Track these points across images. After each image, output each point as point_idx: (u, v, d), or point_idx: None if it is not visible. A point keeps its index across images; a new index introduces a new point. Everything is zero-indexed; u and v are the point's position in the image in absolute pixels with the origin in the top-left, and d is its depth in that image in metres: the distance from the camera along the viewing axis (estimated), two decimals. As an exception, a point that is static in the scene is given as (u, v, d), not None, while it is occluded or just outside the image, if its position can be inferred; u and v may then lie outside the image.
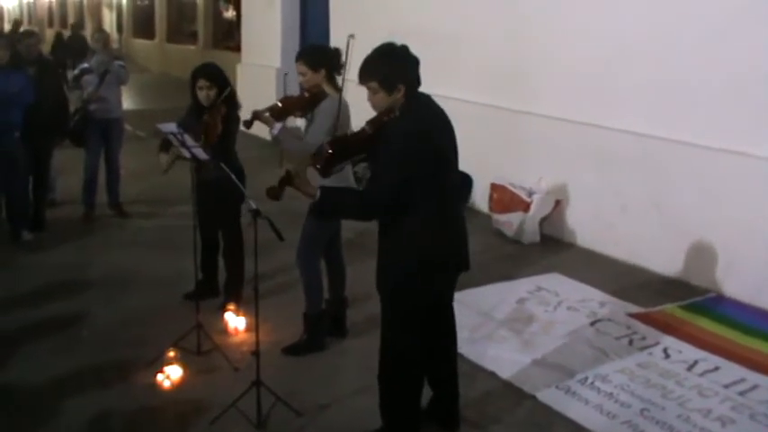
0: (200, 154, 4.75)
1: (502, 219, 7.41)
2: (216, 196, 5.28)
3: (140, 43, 27.56)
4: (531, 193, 7.25)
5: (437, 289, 3.74)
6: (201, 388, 4.44)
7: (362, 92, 3.62)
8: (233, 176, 4.27)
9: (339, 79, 4.80)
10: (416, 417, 3.78)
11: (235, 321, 5.21)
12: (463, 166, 3.90)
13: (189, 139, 4.68)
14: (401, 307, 3.62)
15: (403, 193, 3.42)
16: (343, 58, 4.23)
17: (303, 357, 4.83)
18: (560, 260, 6.78)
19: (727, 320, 5.52)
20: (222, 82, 5.31)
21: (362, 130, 3.59)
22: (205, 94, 5.25)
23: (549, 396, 4.40)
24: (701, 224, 6.09)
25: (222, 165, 4.46)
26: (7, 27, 26.42)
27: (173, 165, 5.25)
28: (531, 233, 7.24)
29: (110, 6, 31.79)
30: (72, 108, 7.71)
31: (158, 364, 4.59)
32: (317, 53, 4.85)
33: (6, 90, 6.48)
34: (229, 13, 20.70)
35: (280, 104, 4.72)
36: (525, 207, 7.20)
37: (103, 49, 7.87)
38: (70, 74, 8.00)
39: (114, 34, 28.24)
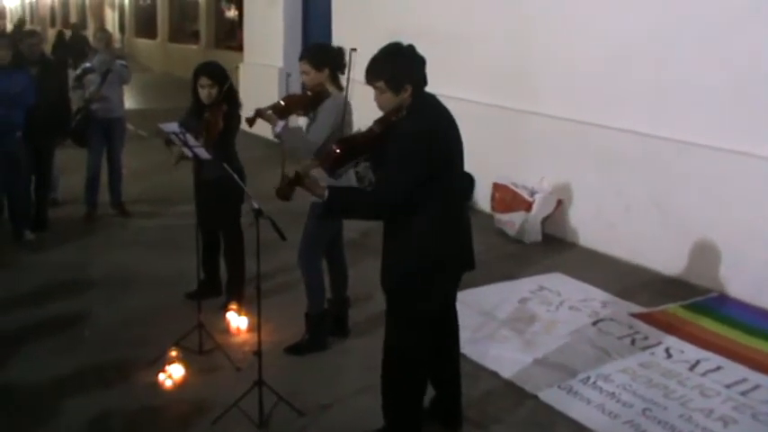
0: (203, 153, 4.76)
1: (504, 218, 7.41)
2: (217, 195, 5.28)
3: (142, 43, 27.58)
4: (533, 193, 7.25)
5: (444, 289, 3.74)
6: (203, 388, 4.44)
7: (368, 93, 3.62)
8: (235, 176, 4.27)
9: (342, 78, 4.81)
10: (419, 416, 3.78)
11: (237, 321, 5.21)
12: (465, 165, 3.89)
13: (191, 139, 4.69)
14: (407, 307, 3.62)
15: (413, 193, 3.42)
16: (346, 70, 4.20)
17: (305, 357, 4.82)
18: (562, 260, 6.78)
19: (729, 320, 5.52)
20: (224, 80, 5.32)
21: (370, 129, 3.59)
22: (207, 92, 5.26)
23: (551, 396, 4.39)
24: (703, 224, 6.08)
25: (225, 165, 4.46)
26: (10, 27, 26.42)
27: (180, 160, 5.24)
28: (533, 233, 7.23)
29: (112, 6, 31.83)
30: (74, 108, 7.71)
31: (160, 363, 4.59)
32: (320, 52, 4.85)
33: (8, 90, 6.47)
34: (231, 13, 20.72)
35: (282, 102, 4.72)
36: (527, 207, 7.20)
37: (106, 48, 7.88)
38: (71, 73, 7.98)
39: (116, 34, 28.28)
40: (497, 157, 7.76)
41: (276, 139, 4.71)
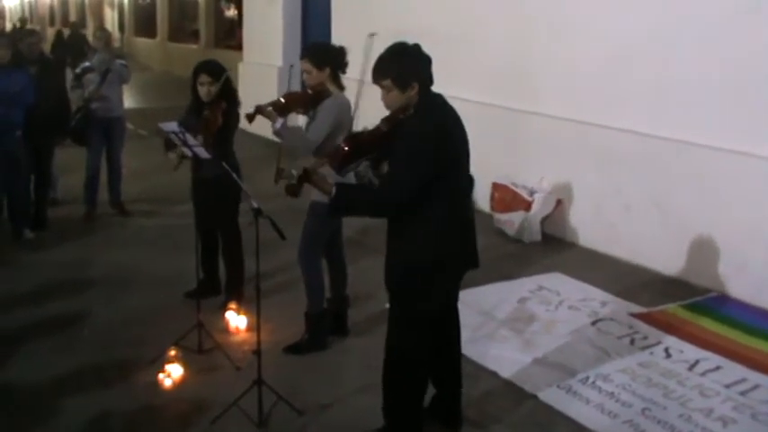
0: (202, 153, 4.75)
1: (503, 218, 7.41)
2: (215, 194, 5.27)
3: (142, 42, 27.57)
4: (532, 193, 7.25)
5: (446, 288, 3.74)
6: (203, 387, 4.44)
7: (374, 92, 3.62)
8: (234, 175, 4.27)
9: (343, 78, 4.81)
10: (419, 416, 3.78)
11: (236, 320, 5.21)
12: (465, 165, 3.90)
13: (190, 138, 4.69)
14: (408, 306, 3.62)
15: (419, 192, 3.42)
16: (363, 57, 4.16)
17: (305, 356, 4.82)
18: (562, 259, 6.78)
19: (729, 320, 5.52)
20: (222, 76, 5.31)
21: (377, 127, 3.58)
22: (206, 89, 5.26)
23: (551, 395, 4.39)
24: (703, 224, 6.08)
25: (223, 164, 4.46)
26: (8, 26, 26.41)
27: (181, 163, 5.23)
28: (533, 232, 7.23)
29: (111, 5, 31.82)
30: (73, 107, 7.70)
31: (159, 363, 4.59)
32: (322, 51, 4.85)
33: (8, 89, 6.47)
34: (231, 12, 20.72)
35: (283, 100, 4.71)
36: (527, 206, 7.20)
37: (105, 47, 7.88)
38: (70, 72, 7.98)
39: (116, 33, 28.27)
40: (497, 156, 7.75)
41: (275, 136, 4.70)
